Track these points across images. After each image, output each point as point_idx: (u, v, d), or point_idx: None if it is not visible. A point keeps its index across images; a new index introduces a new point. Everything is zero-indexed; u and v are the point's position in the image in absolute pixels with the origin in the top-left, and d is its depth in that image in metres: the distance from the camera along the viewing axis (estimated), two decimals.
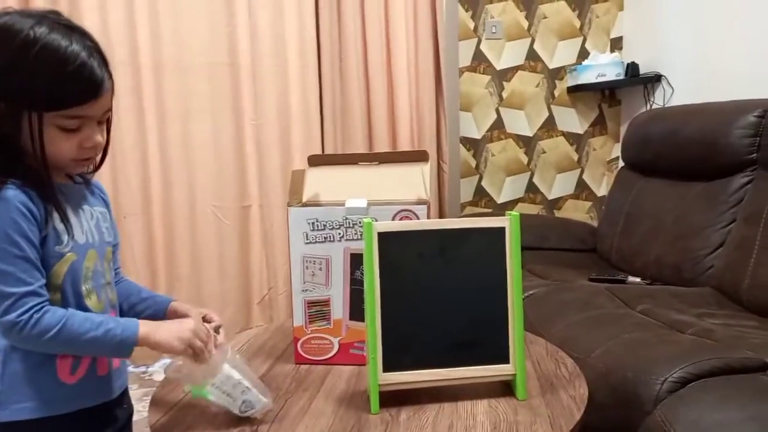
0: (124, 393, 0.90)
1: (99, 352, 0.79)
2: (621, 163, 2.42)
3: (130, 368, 2.25)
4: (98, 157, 0.83)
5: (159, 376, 2.11)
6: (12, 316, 0.72)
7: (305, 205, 1.02)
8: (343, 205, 1.01)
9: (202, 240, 2.33)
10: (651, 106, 2.55)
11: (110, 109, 0.79)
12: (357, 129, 2.40)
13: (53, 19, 0.73)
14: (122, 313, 0.95)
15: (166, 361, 2.27)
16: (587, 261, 2.21)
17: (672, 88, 2.46)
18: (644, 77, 2.58)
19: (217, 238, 2.34)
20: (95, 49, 0.75)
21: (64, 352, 0.78)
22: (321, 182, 1.05)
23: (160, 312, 0.95)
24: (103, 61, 0.76)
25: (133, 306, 0.96)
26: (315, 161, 1.10)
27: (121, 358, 0.79)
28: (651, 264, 1.91)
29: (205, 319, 0.92)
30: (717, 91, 2.05)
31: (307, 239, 1.02)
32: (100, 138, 0.78)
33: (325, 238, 1.02)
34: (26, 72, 0.71)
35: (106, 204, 0.90)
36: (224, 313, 2.36)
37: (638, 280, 1.89)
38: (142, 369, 2.25)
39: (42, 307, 0.74)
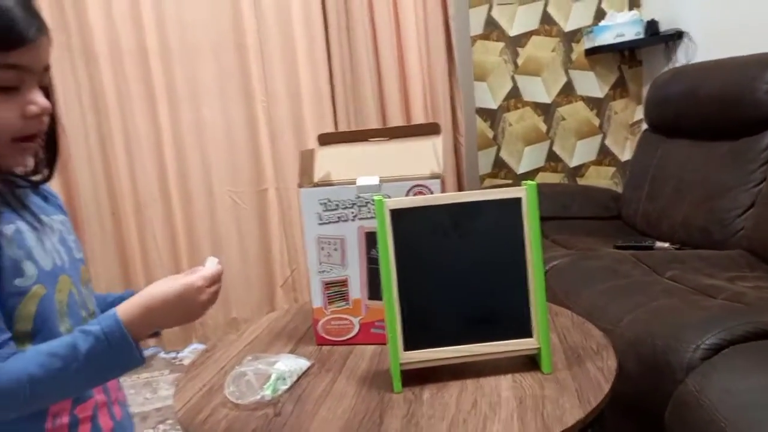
0: None
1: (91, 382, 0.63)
2: (644, 126, 2.34)
3: (161, 354, 2.30)
4: (47, 164, 0.70)
5: (188, 360, 2.14)
6: None
7: (316, 185, 1.00)
8: (354, 183, 0.98)
9: (222, 225, 2.34)
10: (674, 64, 2.45)
11: (48, 70, 0.67)
12: (369, 104, 2.35)
13: None
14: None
15: (197, 346, 2.31)
16: (612, 228, 2.15)
17: (695, 44, 2.35)
18: (665, 35, 2.47)
19: (236, 223, 2.35)
20: None
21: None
22: (332, 161, 1.02)
23: None
24: (33, 10, 0.64)
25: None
26: (325, 140, 1.07)
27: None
28: (678, 228, 1.86)
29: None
30: (744, 45, 1.95)
31: (321, 220, 1.00)
32: (44, 100, 0.64)
33: (338, 218, 1.00)
34: None
35: (64, 212, 0.74)
36: (248, 297, 2.38)
37: (666, 245, 1.84)
38: (173, 355, 2.30)
39: None
